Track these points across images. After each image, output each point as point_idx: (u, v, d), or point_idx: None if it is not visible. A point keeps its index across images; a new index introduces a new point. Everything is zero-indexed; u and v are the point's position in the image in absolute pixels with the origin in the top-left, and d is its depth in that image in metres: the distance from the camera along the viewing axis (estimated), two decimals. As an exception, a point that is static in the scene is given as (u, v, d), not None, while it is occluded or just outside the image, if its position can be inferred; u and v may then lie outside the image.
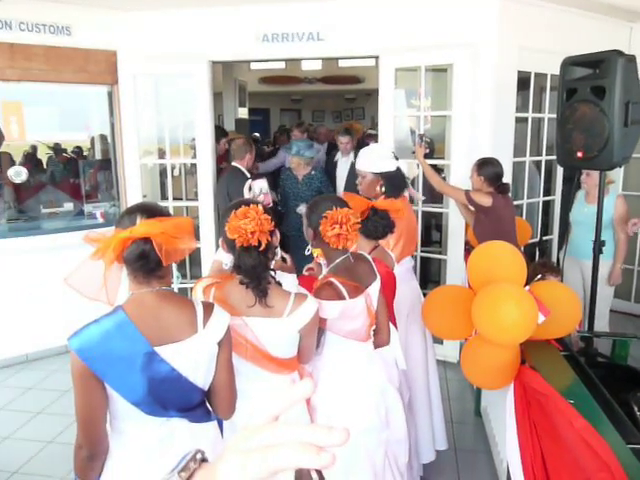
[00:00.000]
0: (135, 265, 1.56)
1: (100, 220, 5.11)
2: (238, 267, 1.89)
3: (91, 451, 1.56)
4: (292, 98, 12.33)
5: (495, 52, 4.32)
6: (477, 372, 2.59)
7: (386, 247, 2.81)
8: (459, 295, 2.76)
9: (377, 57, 4.64)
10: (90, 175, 5.45)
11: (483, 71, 4.34)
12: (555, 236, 5.27)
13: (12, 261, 4.63)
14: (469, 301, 2.49)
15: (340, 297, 2.11)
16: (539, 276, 2.90)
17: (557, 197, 5.21)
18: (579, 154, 3.10)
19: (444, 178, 4.39)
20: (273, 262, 1.99)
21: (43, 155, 6.05)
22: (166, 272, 1.65)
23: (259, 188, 4.18)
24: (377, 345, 2.37)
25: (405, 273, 3.14)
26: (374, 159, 3.14)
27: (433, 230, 5.89)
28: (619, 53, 2.90)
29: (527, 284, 2.55)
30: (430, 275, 5.55)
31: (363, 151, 3.30)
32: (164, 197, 5.26)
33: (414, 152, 4.16)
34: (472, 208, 3.75)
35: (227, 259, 2.02)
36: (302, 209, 4.75)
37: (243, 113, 8.84)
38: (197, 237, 4.67)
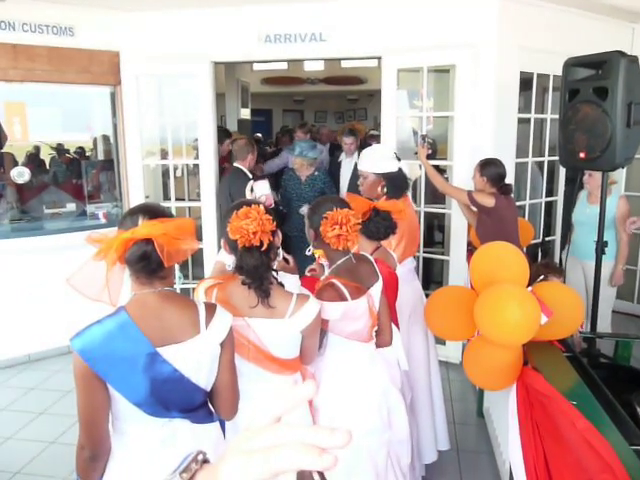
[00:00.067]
0: (137, 266, 1.56)
1: (103, 221, 5.12)
2: (240, 268, 1.89)
3: (93, 452, 1.57)
4: (294, 99, 12.33)
5: (496, 52, 4.32)
6: (479, 373, 2.58)
7: (388, 248, 2.81)
8: (461, 296, 2.75)
9: (379, 58, 4.64)
10: (93, 176, 5.46)
11: (485, 72, 4.34)
12: (558, 237, 5.26)
13: (15, 261, 4.63)
14: (471, 302, 2.49)
15: (342, 298, 2.11)
16: (541, 277, 2.89)
17: (559, 198, 5.20)
18: (581, 155, 3.09)
19: (446, 179, 4.39)
20: (275, 263, 1.99)
21: (46, 155, 6.06)
22: (168, 273, 1.65)
23: (261, 189, 4.19)
24: (379, 346, 2.37)
25: (407, 274, 3.14)
26: (376, 160, 3.14)
27: (436, 231, 5.89)
28: (621, 54, 2.90)
29: (529, 285, 2.55)
30: (432, 276, 5.54)
31: (365, 152, 3.30)
32: (167, 198, 5.27)
33: (417, 153, 4.16)
34: (474, 209, 3.75)
35: (230, 260, 2.03)
36: (305, 210, 4.75)
37: (245, 114, 8.84)
38: (199, 238, 4.68)
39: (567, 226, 4.63)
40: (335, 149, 7.30)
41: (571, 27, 4.72)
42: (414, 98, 5.26)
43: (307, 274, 2.58)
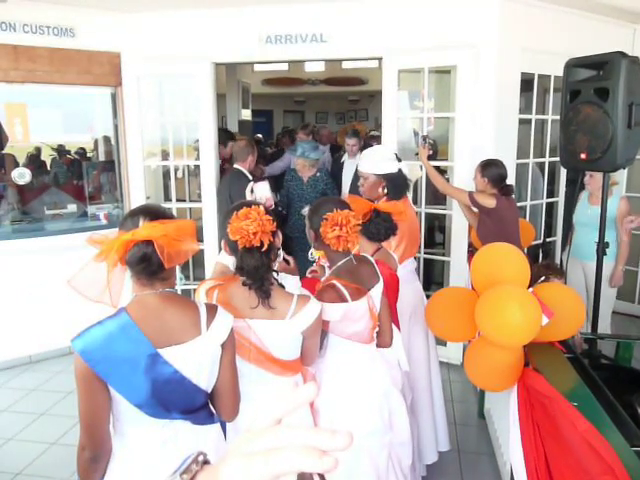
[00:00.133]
0: (137, 268, 1.56)
1: (104, 222, 5.12)
2: (241, 268, 1.89)
3: (94, 453, 1.57)
4: (295, 100, 12.35)
5: (497, 53, 4.32)
6: (480, 374, 2.58)
7: (388, 249, 2.81)
8: (462, 297, 2.75)
9: (380, 59, 4.64)
10: (94, 177, 5.46)
11: (486, 72, 4.34)
12: (559, 238, 5.26)
13: (16, 262, 4.64)
14: (472, 303, 2.49)
15: (342, 299, 2.11)
16: (542, 278, 2.89)
17: (560, 199, 5.20)
18: (583, 156, 3.09)
19: (447, 180, 4.39)
20: (276, 264, 1.99)
21: (47, 157, 6.07)
22: (169, 274, 1.65)
23: (261, 190, 4.19)
24: (378, 346, 2.37)
25: (408, 275, 3.13)
26: (376, 161, 3.14)
27: (436, 232, 5.89)
28: (623, 55, 2.90)
29: (530, 286, 2.55)
30: (433, 277, 5.54)
31: (365, 153, 3.30)
32: (167, 198, 5.27)
33: (417, 154, 4.16)
34: (475, 210, 3.75)
35: (230, 261, 2.03)
36: (306, 211, 4.75)
37: (246, 115, 8.85)
38: (200, 239, 4.68)
39: (568, 227, 4.63)
40: (335, 150, 7.30)
41: (572, 28, 4.72)
42: (415, 99, 5.26)
43: (308, 275, 2.58)
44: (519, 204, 4.36)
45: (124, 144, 5.03)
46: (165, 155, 5.27)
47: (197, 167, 5.11)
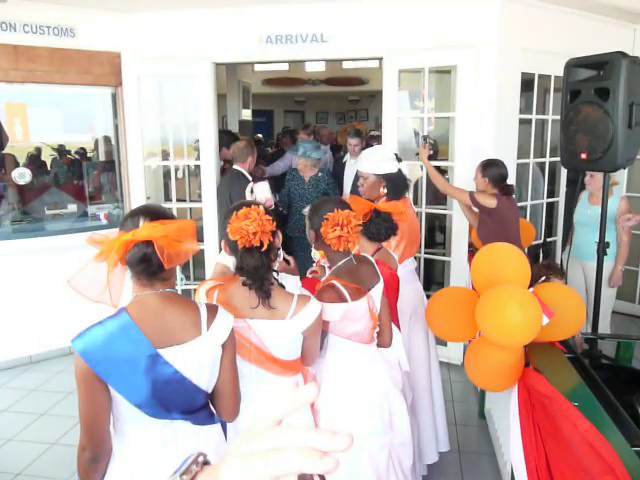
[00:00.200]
0: (137, 268, 1.56)
1: (104, 222, 5.12)
2: (241, 269, 1.89)
3: (94, 453, 1.57)
4: (296, 100, 12.35)
5: (497, 53, 4.32)
6: (481, 374, 2.58)
7: (388, 248, 2.81)
8: (463, 297, 2.75)
9: (381, 59, 4.64)
10: (94, 177, 5.46)
11: (486, 72, 4.34)
12: (559, 238, 5.26)
13: (16, 262, 4.64)
14: (473, 303, 2.49)
15: (342, 299, 2.11)
16: (543, 278, 2.89)
17: (561, 199, 5.20)
18: (583, 156, 3.09)
19: (448, 180, 4.39)
20: (276, 264, 1.99)
21: (47, 157, 6.07)
22: (170, 274, 1.64)
23: (261, 191, 4.19)
24: (379, 347, 2.37)
25: (408, 275, 3.13)
26: (376, 161, 3.14)
27: (437, 232, 5.88)
28: (623, 55, 2.89)
29: (531, 286, 2.55)
30: (434, 277, 5.54)
31: (365, 153, 3.30)
32: (168, 199, 5.27)
33: (418, 154, 4.16)
34: (476, 210, 3.74)
35: (230, 261, 2.03)
36: (307, 211, 4.75)
37: (247, 115, 8.85)
38: (200, 239, 4.68)
39: (568, 227, 4.63)
40: (336, 150, 7.30)
41: (572, 28, 4.72)
42: (415, 99, 5.26)
43: (308, 275, 2.58)
44: (519, 204, 4.35)
45: (124, 144, 5.03)
46: (165, 155, 5.27)
47: (197, 167, 5.11)
